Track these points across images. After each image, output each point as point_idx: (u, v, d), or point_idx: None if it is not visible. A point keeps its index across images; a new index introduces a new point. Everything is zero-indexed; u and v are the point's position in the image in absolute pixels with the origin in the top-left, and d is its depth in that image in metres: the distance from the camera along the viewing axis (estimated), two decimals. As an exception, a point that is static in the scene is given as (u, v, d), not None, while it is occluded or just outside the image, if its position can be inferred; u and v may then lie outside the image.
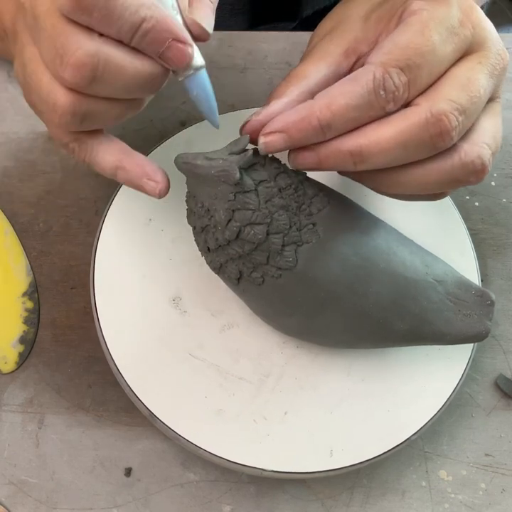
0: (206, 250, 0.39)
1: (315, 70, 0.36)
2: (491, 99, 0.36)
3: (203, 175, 0.36)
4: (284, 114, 0.34)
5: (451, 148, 0.34)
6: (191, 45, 0.33)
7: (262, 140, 0.34)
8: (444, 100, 0.33)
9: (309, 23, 0.66)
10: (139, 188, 0.37)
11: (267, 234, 0.36)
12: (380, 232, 0.40)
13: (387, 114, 0.33)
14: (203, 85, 0.35)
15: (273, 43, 0.58)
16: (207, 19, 0.34)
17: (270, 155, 0.37)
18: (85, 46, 0.31)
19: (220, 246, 0.38)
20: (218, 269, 0.40)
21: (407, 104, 0.34)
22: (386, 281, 0.39)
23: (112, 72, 0.32)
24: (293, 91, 0.36)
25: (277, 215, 0.36)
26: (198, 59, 0.34)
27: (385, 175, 0.35)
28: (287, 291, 0.38)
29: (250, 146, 0.37)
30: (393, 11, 0.36)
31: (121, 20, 0.31)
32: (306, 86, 0.36)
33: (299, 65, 0.37)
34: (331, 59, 0.37)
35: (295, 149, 0.35)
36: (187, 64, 0.34)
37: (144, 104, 0.37)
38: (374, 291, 0.38)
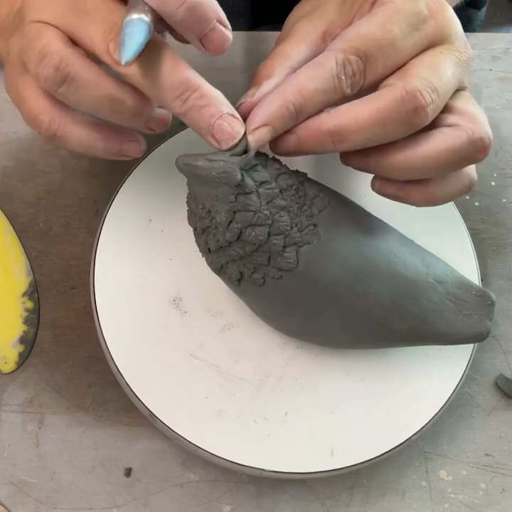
0: (207, 251, 0.39)
1: (297, 51, 0.37)
2: (459, 89, 0.37)
3: (203, 176, 0.36)
4: (261, 108, 0.35)
5: (457, 127, 0.35)
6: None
7: (251, 138, 0.35)
8: (418, 78, 0.34)
9: None
10: (121, 153, 0.38)
11: (268, 235, 0.36)
12: (380, 232, 0.40)
13: (345, 99, 0.34)
14: (137, 29, 0.32)
15: (273, 43, 0.58)
16: None
17: (271, 156, 0.37)
18: (56, 48, 0.33)
19: (220, 247, 0.38)
20: (219, 270, 0.40)
21: (373, 88, 0.35)
22: (386, 281, 0.39)
23: (79, 82, 0.34)
24: (280, 71, 0.37)
25: (278, 216, 0.36)
26: (143, 14, 0.32)
27: (394, 156, 0.35)
28: (288, 292, 0.38)
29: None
30: None
31: None
32: (290, 66, 0.37)
33: (280, 44, 0.38)
34: (310, 40, 0.38)
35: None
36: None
37: (113, 156, 0.38)
38: (374, 291, 0.38)
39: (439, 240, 0.46)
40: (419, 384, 0.44)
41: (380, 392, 0.43)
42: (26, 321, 0.47)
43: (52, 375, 0.46)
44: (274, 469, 0.41)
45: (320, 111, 0.35)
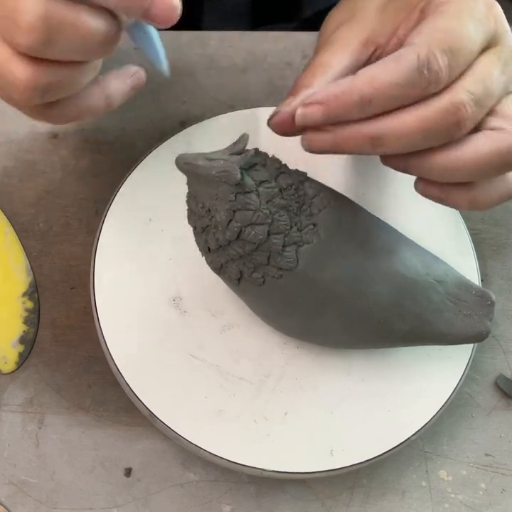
0: (207, 250, 0.39)
1: (337, 60, 0.36)
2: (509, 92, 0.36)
3: (203, 175, 0.36)
4: (327, 86, 0.33)
5: (502, 130, 0.34)
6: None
7: (300, 111, 0.34)
8: (464, 91, 0.33)
9: (309, 24, 0.66)
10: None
11: (268, 234, 0.36)
12: (380, 232, 0.40)
13: (427, 96, 0.33)
14: (148, 33, 0.33)
15: (273, 43, 0.58)
16: None
17: (271, 155, 0.37)
18: (36, 8, 0.30)
19: (220, 246, 0.38)
20: (219, 269, 0.40)
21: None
22: (386, 281, 0.39)
23: (66, 32, 0.31)
24: (321, 81, 0.36)
25: (278, 215, 0.36)
26: None
27: (436, 158, 0.34)
28: (288, 291, 0.38)
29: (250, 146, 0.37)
30: (413, 4, 0.36)
31: None
32: (332, 76, 0.36)
33: (320, 53, 0.37)
34: (351, 48, 0.37)
35: (310, 130, 0.34)
36: (175, 18, 0.31)
37: (98, 67, 0.36)
38: (374, 291, 0.38)
39: (439, 240, 0.46)
40: (419, 384, 0.44)
41: (380, 392, 0.43)
42: (26, 321, 0.47)
43: (52, 375, 0.46)
44: (274, 469, 0.41)
45: (396, 108, 0.33)
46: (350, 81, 0.33)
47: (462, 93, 0.33)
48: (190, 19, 0.63)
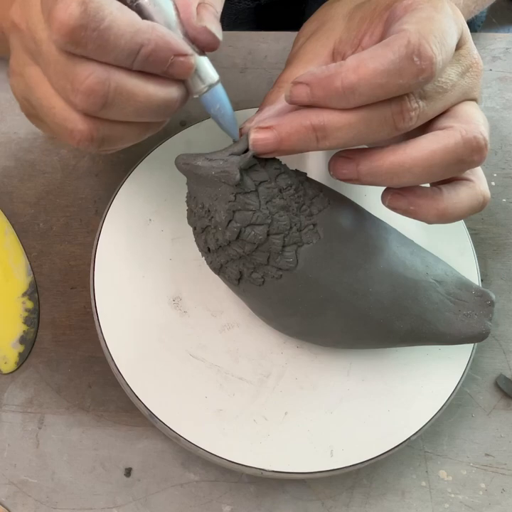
0: (206, 251, 0.39)
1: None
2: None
3: (203, 176, 0.36)
4: (316, 69, 0.33)
5: (450, 128, 0.34)
6: (193, 55, 0.33)
7: (288, 88, 0.33)
8: (476, 125, 0.34)
9: None
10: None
11: (268, 234, 0.36)
12: (380, 232, 0.40)
13: (418, 84, 0.32)
14: (220, 100, 0.35)
15: (273, 43, 0.58)
16: (216, 26, 0.34)
17: (271, 156, 0.37)
18: (96, 72, 0.30)
19: (220, 246, 0.38)
20: (218, 269, 0.40)
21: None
22: (386, 281, 0.39)
23: (123, 97, 0.31)
24: (282, 100, 0.36)
25: (278, 215, 0.36)
26: (212, 74, 0.35)
27: (385, 159, 0.34)
28: (287, 291, 0.38)
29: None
30: (376, 13, 0.36)
31: (118, 49, 0.30)
32: None
33: (288, 68, 0.37)
34: (318, 61, 0.37)
35: (255, 129, 0.34)
36: (190, 73, 0.33)
37: (163, 123, 0.36)
38: (374, 291, 0.38)
39: (439, 240, 0.46)
40: (419, 384, 0.44)
41: (380, 392, 0.43)
42: (26, 321, 0.47)
43: (52, 375, 0.46)
44: (273, 469, 0.41)
45: (387, 98, 0.32)
46: (338, 66, 0.32)
47: (476, 126, 0.33)
48: None
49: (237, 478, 0.44)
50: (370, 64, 0.31)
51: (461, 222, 0.49)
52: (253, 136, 0.34)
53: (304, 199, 0.37)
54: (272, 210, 0.36)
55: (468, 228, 0.49)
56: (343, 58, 0.36)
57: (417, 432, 0.42)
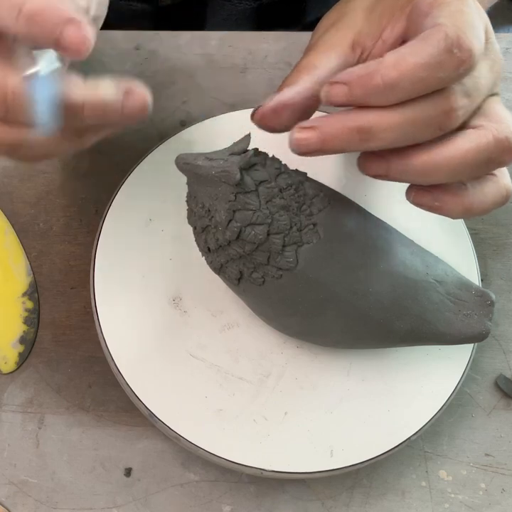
0: (206, 250, 0.39)
1: (325, 60, 0.36)
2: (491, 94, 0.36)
3: (203, 175, 0.36)
4: (354, 68, 0.32)
5: (481, 127, 0.34)
6: (87, 25, 0.29)
7: (325, 88, 0.33)
8: (506, 126, 0.34)
9: (311, 29, 0.66)
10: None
11: (268, 234, 0.36)
12: (380, 232, 0.40)
13: (459, 76, 0.31)
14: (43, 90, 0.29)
15: (273, 43, 0.58)
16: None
17: (271, 155, 0.37)
18: None
19: (220, 246, 0.38)
20: (219, 269, 0.40)
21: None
22: (386, 281, 0.39)
23: None
24: (305, 80, 0.35)
25: (278, 215, 0.36)
26: (44, 63, 0.30)
27: (418, 158, 0.34)
28: (288, 291, 0.38)
29: (251, 147, 0.37)
30: (397, 6, 0.35)
31: None
32: (317, 75, 0.36)
33: (308, 55, 0.37)
34: (339, 50, 0.36)
35: (298, 128, 0.33)
36: (85, 49, 0.29)
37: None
38: (374, 291, 0.38)
39: (439, 240, 0.46)
40: (419, 384, 0.44)
41: (380, 392, 0.43)
42: (26, 321, 0.47)
43: (52, 375, 0.46)
44: (273, 469, 0.41)
45: (427, 93, 0.32)
46: (377, 63, 0.31)
47: (506, 127, 0.33)
48: (194, 25, 0.63)
49: (237, 478, 0.44)
50: (411, 59, 0.31)
51: (461, 222, 0.49)
52: (296, 135, 0.33)
53: (304, 199, 0.37)
54: (272, 210, 0.36)
55: (468, 228, 0.49)
56: (363, 50, 0.36)
57: (417, 432, 0.42)
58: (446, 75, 0.31)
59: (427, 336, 0.40)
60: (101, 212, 0.48)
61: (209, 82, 0.56)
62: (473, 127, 0.34)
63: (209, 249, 0.39)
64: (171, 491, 0.43)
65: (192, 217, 0.39)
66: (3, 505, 0.43)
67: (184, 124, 0.54)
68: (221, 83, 0.56)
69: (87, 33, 0.28)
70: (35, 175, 0.52)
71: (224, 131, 0.49)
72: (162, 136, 0.52)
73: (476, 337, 0.41)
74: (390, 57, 0.31)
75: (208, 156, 0.36)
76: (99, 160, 0.53)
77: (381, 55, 0.33)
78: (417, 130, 0.33)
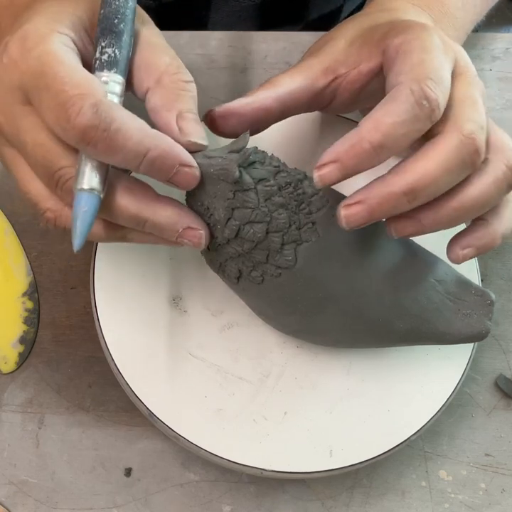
0: (206, 249, 0.39)
1: (289, 80, 0.39)
2: None
3: (202, 173, 0.36)
4: (334, 145, 0.34)
5: (489, 161, 0.35)
6: (197, 168, 0.34)
7: (316, 173, 0.34)
8: (467, 121, 0.34)
9: (314, 27, 0.66)
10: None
11: (267, 232, 0.37)
12: (379, 231, 0.40)
13: (431, 123, 0.34)
14: (90, 209, 0.33)
15: (273, 43, 0.58)
16: (199, 133, 0.35)
17: (270, 154, 0.37)
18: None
19: (219, 245, 0.38)
20: (218, 268, 0.40)
21: (428, 136, 0.34)
22: (385, 280, 0.39)
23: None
24: (259, 94, 0.38)
25: (277, 213, 0.36)
26: (94, 181, 0.33)
27: (447, 205, 0.35)
28: (287, 290, 0.38)
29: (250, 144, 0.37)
30: (374, 42, 0.38)
31: (126, 150, 0.32)
32: (274, 93, 0.38)
33: (279, 74, 0.39)
34: (309, 73, 0.39)
35: (344, 206, 0.35)
36: (194, 184, 0.35)
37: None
38: (373, 290, 0.38)
39: (438, 240, 0.46)
40: (419, 384, 0.44)
41: (380, 392, 0.43)
42: (26, 321, 0.47)
43: (52, 375, 0.46)
44: (273, 469, 0.41)
45: (406, 148, 0.34)
46: (356, 132, 0.33)
47: (466, 123, 0.34)
48: (196, 24, 0.63)
49: (237, 478, 0.44)
50: (388, 119, 0.33)
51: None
52: (345, 213, 0.34)
53: (303, 197, 0.37)
54: (271, 208, 0.36)
55: (468, 228, 0.49)
56: (336, 77, 0.39)
57: (416, 432, 0.42)
58: (422, 125, 0.33)
59: (427, 336, 0.40)
60: (101, 212, 0.48)
61: (209, 82, 0.56)
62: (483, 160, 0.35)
63: (208, 247, 0.39)
64: (171, 491, 0.43)
65: None
66: (3, 505, 0.43)
67: (184, 124, 0.53)
68: (221, 83, 0.56)
69: (196, 171, 0.34)
70: (35, 175, 0.52)
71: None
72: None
73: (476, 336, 0.41)
74: (367, 122, 0.33)
75: (207, 154, 0.36)
76: (99, 160, 0.53)
77: (354, 83, 0.38)
78: (453, 176, 0.34)
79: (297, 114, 0.40)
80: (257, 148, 0.37)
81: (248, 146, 0.36)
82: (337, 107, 0.41)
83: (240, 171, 0.35)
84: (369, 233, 0.39)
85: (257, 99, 0.38)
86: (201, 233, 0.36)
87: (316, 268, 0.37)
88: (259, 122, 0.39)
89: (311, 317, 0.39)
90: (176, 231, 0.35)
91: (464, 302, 0.41)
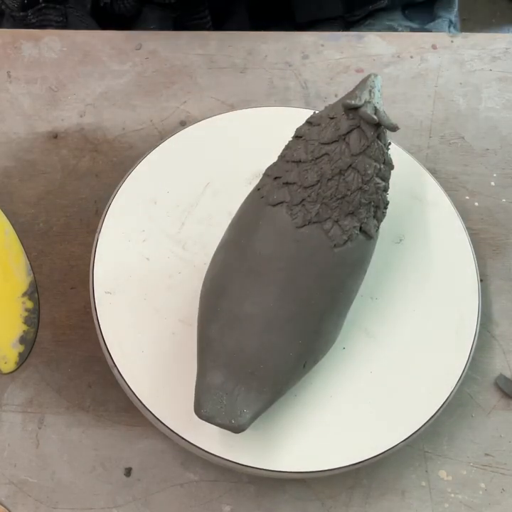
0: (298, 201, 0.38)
1: None
2: None
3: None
4: None
5: None
6: None
7: None
8: None
9: (304, 27, 0.66)
10: None
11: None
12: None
13: None
14: None
15: (273, 43, 0.58)
16: None
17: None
18: None
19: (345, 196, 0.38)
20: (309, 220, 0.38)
21: None
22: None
23: None
24: None
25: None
26: None
27: None
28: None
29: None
30: None
31: None
32: None
33: None
34: None
35: None
36: None
37: None
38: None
39: (438, 240, 0.46)
40: (418, 384, 0.44)
41: (381, 392, 0.43)
42: (26, 321, 0.47)
43: (52, 375, 0.46)
44: (274, 469, 0.41)
45: None
46: None
47: None
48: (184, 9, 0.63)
49: (237, 478, 0.44)
50: None
51: (461, 221, 0.49)
52: None
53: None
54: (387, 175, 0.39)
55: (468, 228, 0.49)
56: None
57: (417, 432, 0.42)
58: None
59: None
60: (101, 212, 0.48)
61: (209, 82, 0.56)
62: None
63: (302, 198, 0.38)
64: (170, 491, 0.43)
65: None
66: (3, 505, 0.43)
67: (184, 124, 0.54)
68: (221, 83, 0.56)
69: None
70: (35, 175, 0.52)
71: (224, 131, 0.49)
72: (162, 136, 0.52)
73: None
74: None
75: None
76: (99, 160, 0.53)
77: None
78: None
79: None
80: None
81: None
82: None
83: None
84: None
85: None
86: None
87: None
88: None
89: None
90: None
91: None
